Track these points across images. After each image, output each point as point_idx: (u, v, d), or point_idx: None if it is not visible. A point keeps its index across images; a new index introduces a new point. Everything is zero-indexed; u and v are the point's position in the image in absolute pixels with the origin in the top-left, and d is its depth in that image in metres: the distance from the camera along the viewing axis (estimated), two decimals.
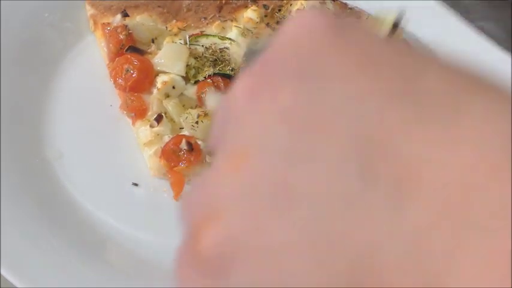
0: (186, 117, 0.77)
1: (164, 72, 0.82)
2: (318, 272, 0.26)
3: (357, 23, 0.30)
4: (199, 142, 0.77)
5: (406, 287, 0.24)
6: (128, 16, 0.86)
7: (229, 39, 0.85)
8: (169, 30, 0.86)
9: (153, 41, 0.85)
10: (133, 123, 0.81)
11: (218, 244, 0.28)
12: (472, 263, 0.23)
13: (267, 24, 0.88)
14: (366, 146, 0.26)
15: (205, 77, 0.81)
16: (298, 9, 0.88)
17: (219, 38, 0.85)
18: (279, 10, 0.90)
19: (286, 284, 0.27)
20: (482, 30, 0.85)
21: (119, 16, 0.86)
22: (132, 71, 0.81)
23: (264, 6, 0.90)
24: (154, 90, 0.81)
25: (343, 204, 0.25)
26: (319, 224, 0.26)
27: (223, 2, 0.90)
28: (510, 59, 0.80)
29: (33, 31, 0.87)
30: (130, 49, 0.83)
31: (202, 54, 0.83)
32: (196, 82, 0.81)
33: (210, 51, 0.83)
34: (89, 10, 0.90)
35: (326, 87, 0.27)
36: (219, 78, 0.81)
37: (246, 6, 0.90)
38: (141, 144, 0.79)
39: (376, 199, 0.25)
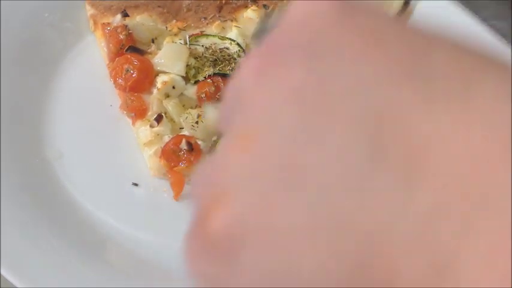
0: (186, 117, 0.77)
1: (164, 72, 0.82)
2: (327, 253, 0.26)
3: (365, 3, 0.29)
4: (199, 142, 0.77)
5: (415, 269, 0.24)
6: (128, 16, 0.86)
7: (229, 39, 0.85)
8: (169, 30, 0.86)
9: (153, 41, 0.85)
10: (133, 123, 0.81)
11: (227, 226, 0.28)
12: (483, 244, 0.23)
13: None
14: (376, 126, 0.25)
15: (205, 77, 0.81)
16: None
17: (219, 38, 0.85)
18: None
19: (296, 265, 0.27)
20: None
21: (119, 16, 0.86)
22: (132, 71, 0.81)
23: (264, 6, 0.90)
24: (154, 90, 0.81)
25: (352, 185, 0.25)
26: (329, 205, 0.26)
27: (223, 2, 0.90)
28: None
29: (33, 31, 0.87)
30: (130, 49, 0.83)
31: (202, 54, 0.83)
32: (196, 82, 0.81)
33: (210, 51, 0.83)
34: (89, 10, 0.90)
35: (336, 67, 0.27)
36: (219, 78, 0.81)
37: (246, 6, 0.90)
38: (141, 144, 0.79)
39: (385, 180, 0.25)
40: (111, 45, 0.84)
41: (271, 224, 0.27)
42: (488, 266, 0.23)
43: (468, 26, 0.86)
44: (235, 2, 0.90)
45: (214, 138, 0.77)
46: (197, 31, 0.87)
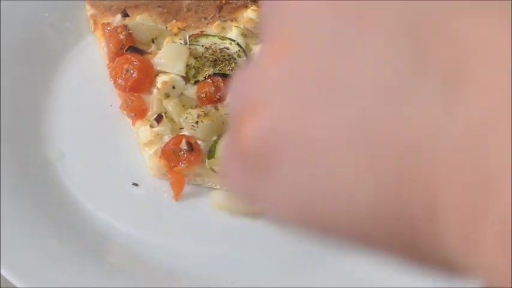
0: (186, 117, 0.77)
1: (164, 72, 0.82)
2: (366, 166, 0.24)
3: None
4: (199, 142, 0.77)
5: (457, 183, 0.22)
6: (128, 16, 0.86)
7: (229, 39, 0.85)
8: (169, 30, 0.86)
9: (153, 41, 0.85)
10: (133, 123, 0.81)
11: (261, 136, 0.27)
12: None
13: None
14: (417, 30, 0.24)
15: (205, 77, 0.81)
16: None
17: (219, 38, 0.85)
18: None
19: (332, 178, 0.25)
20: None
21: (119, 16, 0.86)
22: (132, 71, 0.81)
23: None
24: (154, 90, 0.81)
25: (392, 94, 0.24)
26: (368, 114, 0.24)
27: (223, 2, 0.90)
28: None
29: (33, 31, 0.87)
30: (130, 49, 0.83)
31: (202, 54, 0.83)
32: (196, 82, 0.81)
33: (210, 51, 0.83)
34: (89, 10, 0.90)
35: None
36: (219, 78, 0.81)
37: (246, 6, 0.90)
38: (141, 144, 0.79)
39: (426, 90, 0.23)
40: (111, 45, 0.84)
41: (308, 134, 0.26)
42: None
43: None
44: (235, 2, 0.90)
45: (214, 138, 0.77)
46: (197, 31, 0.87)
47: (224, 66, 0.82)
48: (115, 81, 0.82)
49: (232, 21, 0.88)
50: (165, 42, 0.84)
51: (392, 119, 0.24)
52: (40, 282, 0.65)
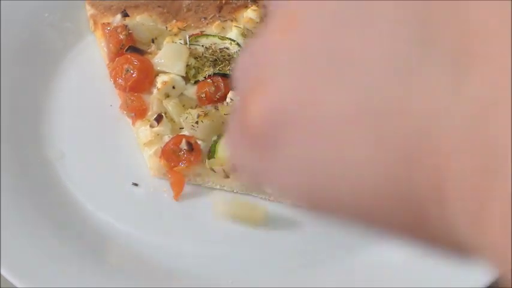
0: (186, 117, 0.77)
1: (164, 72, 0.82)
2: (374, 143, 0.24)
3: None
4: (199, 142, 0.77)
5: (466, 163, 0.22)
6: (128, 16, 0.86)
7: (229, 39, 0.85)
8: (169, 30, 0.86)
9: (153, 41, 0.85)
10: (133, 123, 0.81)
11: (268, 114, 0.26)
12: None
13: None
14: (426, 7, 0.24)
15: (205, 77, 0.81)
16: None
17: (219, 38, 0.85)
18: None
19: (339, 155, 0.25)
20: None
21: (119, 16, 0.86)
22: (132, 71, 0.81)
23: (264, 6, 0.90)
24: (154, 90, 0.81)
25: (401, 69, 0.23)
26: (376, 90, 0.24)
27: (223, 2, 0.90)
28: None
29: (33, 31, 0.87)
30: (130, 49, 0.83)
31: (202, 54, 0.83)
32: (196, 82, 0.81)
33: (210, 51, 0.83)
34: (89, 10, 0.90)
35: None
36: (219, 78, 0.81)
37: (246, 6, 0.90)
38: (141, 144, 0.79)
39: (436, 70, 0.23)
40: (111, 45, 0.84)
41: (314, 112, 0.25)
42: None
43: None
44: (235, 2, 0.90)
45: (214, 138, 0.77)
46: (197, 31, 0.87)
47: (224, 66, 0.82)
48: (115, 81, 0.82)
49: (232, 21, 0.88)
50: (165, 42, 0.84)
51: (401, 99, 0.24)
52: (40, 282, 0.65)
